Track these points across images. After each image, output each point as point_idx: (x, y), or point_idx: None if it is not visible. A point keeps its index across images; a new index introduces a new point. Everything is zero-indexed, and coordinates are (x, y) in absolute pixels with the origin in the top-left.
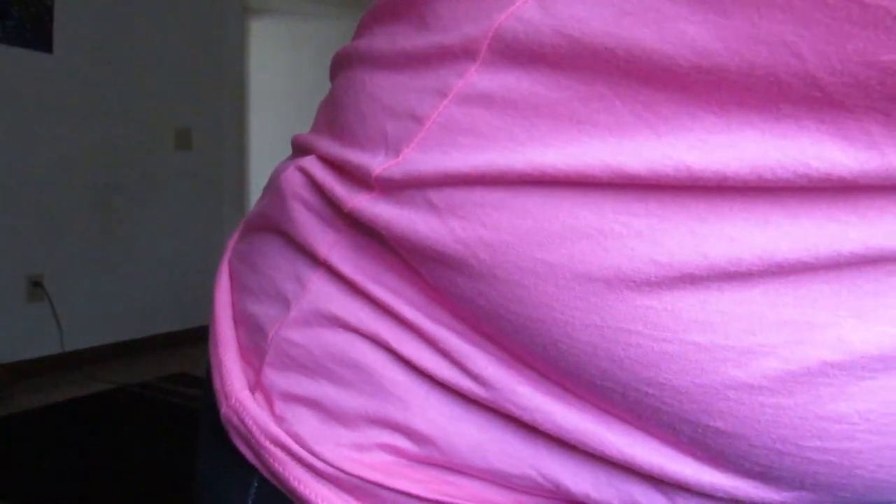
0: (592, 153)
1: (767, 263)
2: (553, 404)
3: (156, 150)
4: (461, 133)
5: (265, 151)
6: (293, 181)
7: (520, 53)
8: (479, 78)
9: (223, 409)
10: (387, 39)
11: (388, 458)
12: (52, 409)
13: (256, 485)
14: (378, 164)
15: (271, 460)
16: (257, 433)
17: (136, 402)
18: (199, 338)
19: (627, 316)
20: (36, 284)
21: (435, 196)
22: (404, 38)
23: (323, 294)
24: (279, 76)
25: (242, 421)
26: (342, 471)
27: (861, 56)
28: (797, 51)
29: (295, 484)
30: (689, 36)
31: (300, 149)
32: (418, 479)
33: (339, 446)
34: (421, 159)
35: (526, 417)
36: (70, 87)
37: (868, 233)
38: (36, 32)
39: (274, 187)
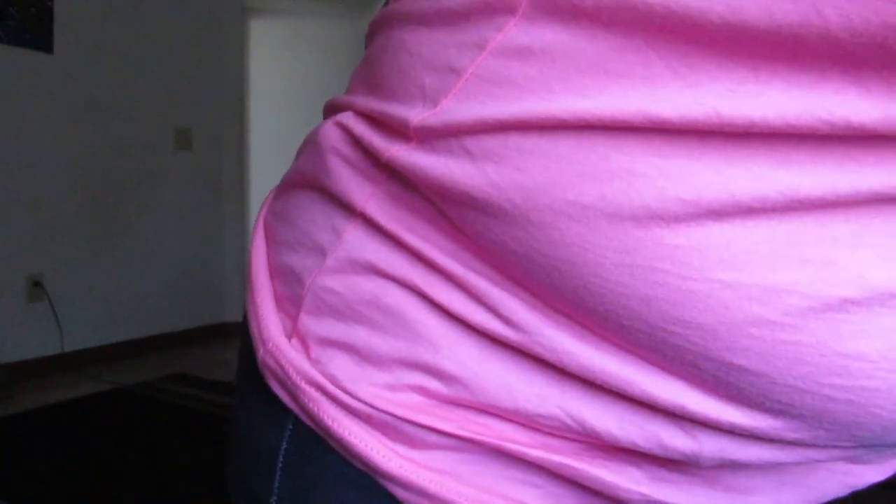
0: (627, 101)
1: (790, 200)
2: (580, 346)
3: (156, 149)
4: (498, 84)
5: (265, 151)
6: (331, 135)
7: (560, 7)
8: (518, 32)
9: (260, 354)
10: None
11: (418, 398)
12: (52, 409)
13: (291, 426)
14: (416, 114)
15: (306, 400)
16: (293, 374)
17: (136, 403)
18: (200, 338)
19: (656, 255)
20: (36, 284)
21: (471, 143)
22: None
23: (359, 243)
24: (279, 76)
25: (279, 363)
26: (374, 408)
27: (880, 16)
28: (821, 9)
29: (329, 422)
30: None
31: (336, 108)
32: (447, 417)
33: (371, 386)
34: (458, 109)
35: (553, 359)
36: (70, 87)
37: (885, 175)
38: (36, 32)
39: (311, 144)
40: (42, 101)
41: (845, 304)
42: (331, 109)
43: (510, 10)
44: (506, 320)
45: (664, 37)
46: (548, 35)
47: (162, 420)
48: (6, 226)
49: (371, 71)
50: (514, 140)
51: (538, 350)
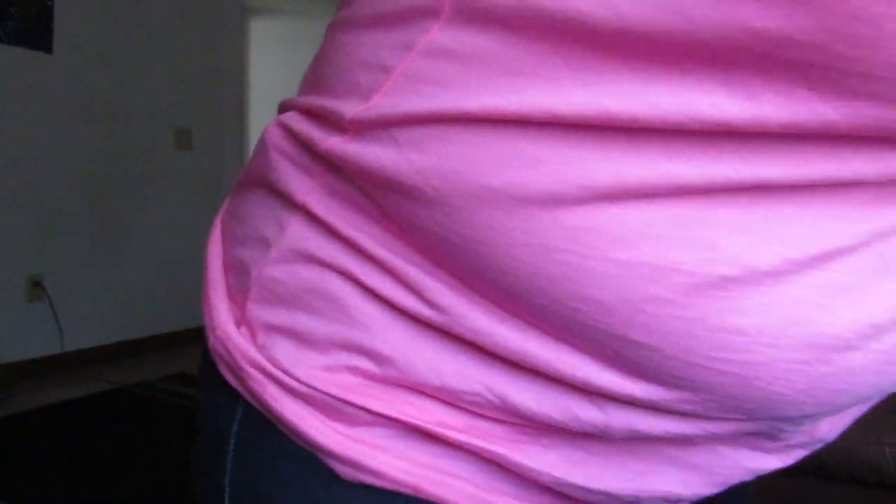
0: (533, 98)
1: (674, 186)
2: (497, 326)
3: (156, 149)
4: (423, 81)
5: None
6: (274, 134)
7: (477, 14)
8: (441, 35)
9: (210, 341)
10: (368, 4)
11: (353, 378)
12: (52, 409)
13: (242, 410)
14: (351, 108)
15: (251, 382)
16: (240, 359)
17: (136, 402)
18: (200, 338)
19: (558, 235)
20: (36, 284)
21: (398, 134)
22: (382, 2)
23: (301, 235)
24: (279, 76)
25: (227, 349)
26: (313, 388)
27: (739, 22)
28: (690, 17)
29: (272, 403)
30: (614, 3)
31: (284, 109)
32: (379, 397)
33: (310, 368)
34: (387, 103)
35: (475, 338)
36: (70, 87)
37: (755, 168)
38: (36, 32)
39: (259, 144)
40: (42, 101)
41: (724, 282)
42: (280, 110)
43: (435, 16)
44: (430, 303)
45: (564, 41)
46: (467, 38)
47: (162, 420)
48: (6, 225)
49: (315, 71)
50: (436, 131)
51: (460, 330)
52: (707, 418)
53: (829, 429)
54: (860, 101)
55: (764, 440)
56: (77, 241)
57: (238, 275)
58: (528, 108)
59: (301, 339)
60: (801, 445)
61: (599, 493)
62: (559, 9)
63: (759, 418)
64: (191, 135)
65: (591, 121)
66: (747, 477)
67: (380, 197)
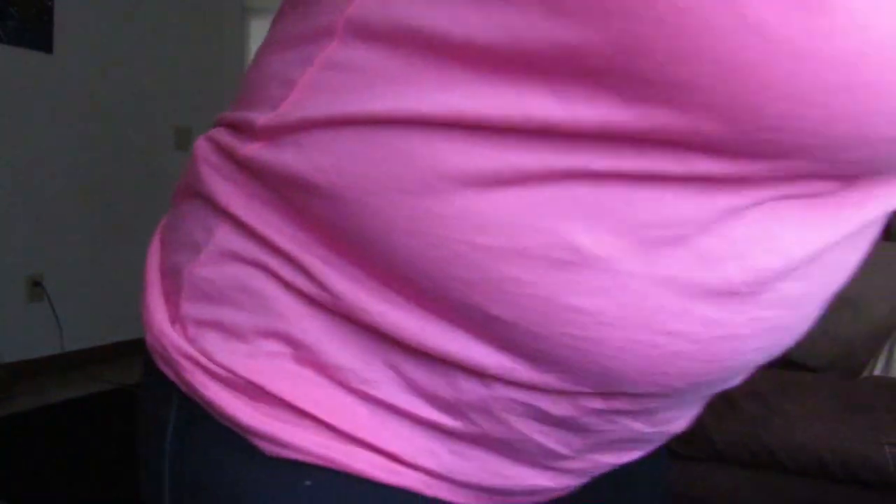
0: (405, 102)
1: (520, 174)
2: (389, 309)
3: (156, 149)
4: (321, 91)
5: None
6: (202, 147)
7: (363, 32)
8: (335, 51)
9: (147, 339)
10: (281, 29)
11: (272, 363)
12: (52, 409)
13: (176, 400)
14: (261, 117)
15: (183, 372)
16: (172, 351)
17: (136, 403)
18: None
19: (432, 222)
20: (36, 284)
21: (301, 138)
22: (293, 25)
23: (225, 237)
24: None
25: (162, 344)
26: (235, 374)
27: (551, 39)
28: (516, 35)
29: (202, 389)
30: (462, 22)
31: (215, 124)
32: (294, 384)
33: (234, 356)
34: (292, 112)
35: (370, 321)
36: (70, 87)
37: (585, 159)
38: (36, 32)
39: (191, 158)
40: (42, 102)
41: (564, 265)
42: (214, 125)
43: (330, 36)
44: (331, 291)
45: (429, 53)
46: (356, 54)
47: None
48: (6, 226)
49: (240, 89)
50: (332, 134)
51: (360, 315)
52: (573, 394)
53: (684, 423)
54: (653, 106)
55: (620, 402)
56: (77, 241)
57: (172, 277)
58: (400, 111)
59: (227, 330)
60: (659, 439)
61: (475, 486)
62: (422, 26)
63: (609, 392)
64: (191, 134)
65: (450, 120)
66: (613, 467)
67: (290, 196)
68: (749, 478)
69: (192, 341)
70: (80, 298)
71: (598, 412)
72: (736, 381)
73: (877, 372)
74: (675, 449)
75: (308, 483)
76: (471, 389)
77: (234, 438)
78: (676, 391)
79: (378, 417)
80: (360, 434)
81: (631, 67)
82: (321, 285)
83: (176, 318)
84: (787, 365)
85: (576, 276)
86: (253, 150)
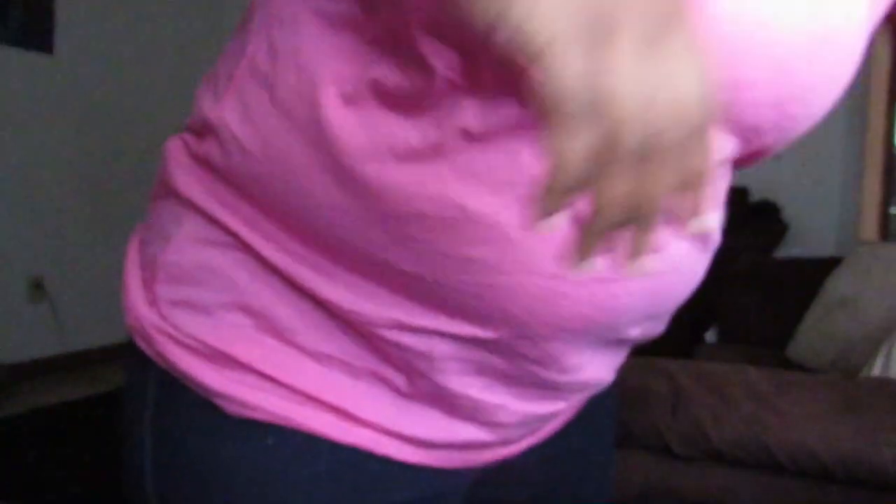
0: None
1: (408, 150)
2: (317, 278)
3: (156, 150)
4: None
5: None
6: (171, 147)
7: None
8: (255, 49)
9: (128, 321)
10: (229, 43)
11: (235, 331)
12: (53, 410)
13: (153, 374)
14: (211, 108)
15: (158, 346)
16: (148, 328)
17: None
18: None
19: (345, 195)
20: (37, 285)
21: (244, 113)
22: (234, 36)
23: (191, 225)
24: None
25: (141, 324)
26: (203, 342)
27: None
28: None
29: (173, 359)
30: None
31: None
32: (254, 348)
33: (202, 327)
34: (235, 97)
35: (308, 290)
36: (71, 88)
37: (454, 122)
38: (37, 33)
39: (161, 159)
40: (43, 102)
41: (455, 222)
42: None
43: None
44: (273, 265)
45: (326, 30)
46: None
47: None
48: (7, 226)
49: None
50: (274, 120)
51: (300, 283)
52: (487, 342)
53: (594, 373)
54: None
55: (540, 386)
56: (78, 241)
57: (149, 267)
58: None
59: (194, 307)
60: (573, 388)
61: (419, 441)
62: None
63: (520, 337)
64: None
65: (347, 93)
66: (542, 419)
67: (238, 182)
68: (748, 478)
69: (165, 318)
70: (81, 299)
71: (510, 359)
72: (632, 330)
73: (875, 372)
74: (675, 449)
75: (270, 441)
76: (405, 344)
77: (205, 404)
78: (571, 334)
79: (331, 375)
80: (314, 391)
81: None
82: (265, 260)
83: (153, 301)
84: (785, 365)
85: (465, 232)
86: (205, 145)
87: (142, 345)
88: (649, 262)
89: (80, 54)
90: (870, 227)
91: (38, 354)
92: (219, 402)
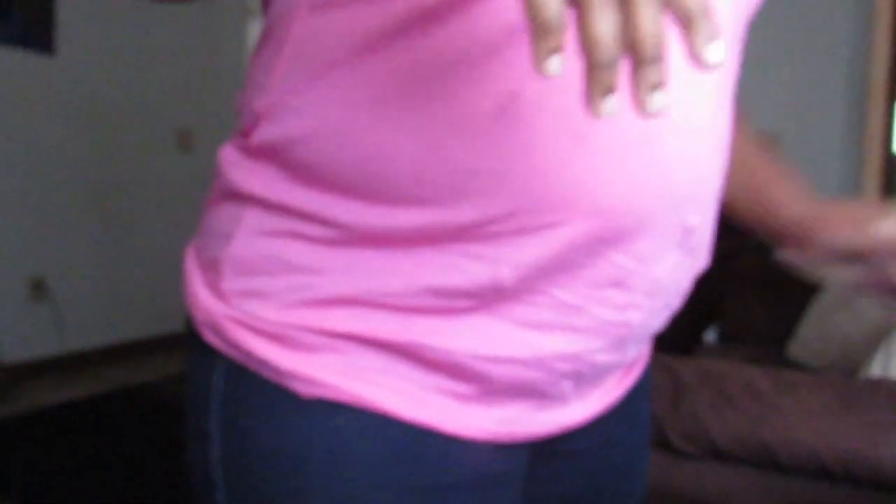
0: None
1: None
2: (380, 216)
3: (157, 150)
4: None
5: None
6: (224, 152)
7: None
8: (299, 29)
9: (193, 313)
10: (258, 34)
11: (305, 311)
12: (53, 410)
13: (220, 363)
14: (258, 101)
15: (230, 333)
16: (219, 318)
17: (137, 403)
18: None
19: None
20: (37, 285)
21: (292, 101)
22: (261, 25)
23: (250, 219)
24: None
25: (211, 316)
26: (275, 324)
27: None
28: None
29: (247, 346)
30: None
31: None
32: (326, 318)
33: (272, 311)
34: (279, 85)
35: (372, 234)
36: (71, 88)
37: None
38: (38, 34)
39: (216, 167)
40: (44, 103)
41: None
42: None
43: (291, 17)
44: (337, 224)
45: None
46: (318, 21)
47: (162, 420)
48: (8, 226)
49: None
50: (310, 107)
51: (363, 239)
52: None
53: (665, 270)
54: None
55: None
56: (78, 241)
57: (211, 268)
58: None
59: (262, 295)
60: (647, 288)
61: (505, 360)
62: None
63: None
64: (192, 136)
65: None
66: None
67: (293, 160)
68: (748, 477)
69: (235, 308)
70: (82, 299)
71: (587, 250)
72: (690, 216)
73: (875, 372)
74: (675, 447)
75: (341, 421)
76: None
77: (275, 388)
78: (637, 207)
79: (404, 319)
80: (390, 335)
81: None
82: (331, 223)
83: (221, 296)
84: (786, 364)
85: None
86: (259, 133)
87: (209, 336)
88: (662, 99)
89: (81, 55)
90: None
91: (39, 354)
92: (290, 383)
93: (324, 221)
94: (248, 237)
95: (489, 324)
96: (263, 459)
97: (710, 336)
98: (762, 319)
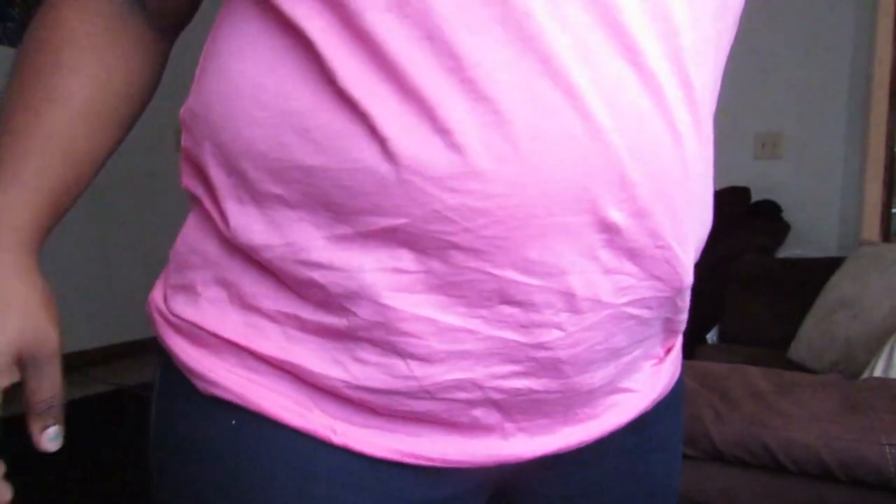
0: None
1: None
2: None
3: (156, 150)
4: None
5: None
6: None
7: None
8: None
9: (148, 310)
10: None
11: (212, 306)
12: None
13: (161, 361)
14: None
15: (157, 326)
16: (153, 310)
17: (136, 403)
18: None
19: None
20: None
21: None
22: None
23: (192, 216)
24: None
25: (150, 310)
26: (184, 320)
27: None
28: None
29: (165, 339)
30: None
31: None
32: (223, 317)
33: (186, 306)
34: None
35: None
36: None
37: None
38: None
39: None
40: None
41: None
42: None
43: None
44: (226, 219)
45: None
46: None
47: None
48: None
49: None
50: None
51: (243, 239)
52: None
53: (580, 281)
54: None
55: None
56: (78, 241)
57: (173, 265)
58: None
59: (186, 288)
60: (553, 304)
61: (384, 391)
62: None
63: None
64: None
65: None
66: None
67: (211, 142)
68: (749, 478)
69: (165, 301)
70: (80, 299)
71: (443, 255)
72: (609, 209)
73: (877, 373)
74: None
75: (233, 422)
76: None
77: (184, 382)
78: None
79: (287, 335)
80: (274, 352)
81: None
82: (223, 215)
83: (161, 292)
84: (787, 366)
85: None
86: (183, 139)
87: (154, 330)
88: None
89: None
90: (871, 227)
91: None
92: (193, 380)
93: (224, 218)
94: (186, 232)
95: (365, 351)
96: (178, 456)
97: (712, 337)
98: (763, 321)
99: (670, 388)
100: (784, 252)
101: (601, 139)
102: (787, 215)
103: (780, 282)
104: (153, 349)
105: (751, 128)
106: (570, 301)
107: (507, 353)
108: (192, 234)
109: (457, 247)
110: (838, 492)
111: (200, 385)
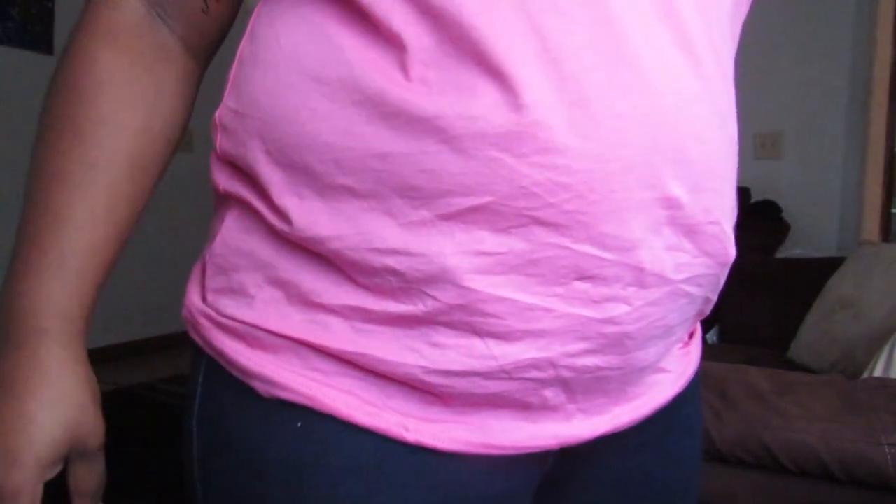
0: None
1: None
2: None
3: None
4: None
5: None
6: (212, 155)
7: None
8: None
9: (184, 314)
10: None
11: (268, 306)
12: None
13: (204, 362)
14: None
15: (203, 330)
16: (196, 315)
17: (136, 403)
18: None
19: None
20: None
21: (242, 84)
22: None
23: (230, 218)
24: None
25: (191, 313)
26: (238, 321)
27: None
28: None
29: (215, 342)
30: None
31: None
32: (283, 318)
33: (239, 308)
34: (235, 81)
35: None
36: None
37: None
38: (36, 34)
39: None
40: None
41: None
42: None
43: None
44: (283, 214)
45: None
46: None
47: (161, 422)
48: (6, 226)
49: None
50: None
51: (306, 244)
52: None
53: (650, 255)
54: None
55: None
56: None
57: (201, 269)
58: None
59: (234, 291)
60: (627, 278)
61: (460, 373)
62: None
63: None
64: (192, 136)
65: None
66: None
67: (256, 143)
68: (749, 479)
69: (210, 305)
70: None
71: (527, 233)
72: (671, 184)
73: (877, 373)
74: None
75: (299, 424)
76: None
77: (239, 385)
78: (594, 177)
79: (355, 328)
80: (343, 345)
81: None
82: (286, 218)
83: (201, 295)
84: (787, 366)
85: None
86: (219, 142)
87: (193, 335)
88: None
89: None
90: (871, 227)
91: None
92: (252, 383)
93: (282, 215)
94: (225, 234)
95: (442, 335)
96: (231, 462)
97: (711, 337)
98: (763, 321)
99: (695, 373)
100: (784, 252)
101: (667, 119)
102: (787, 215)
103: (780, 282)
104: (152, 349)
105: (751, 128)
106: (639, 276)
107: (579, 330)
108: (234, 236)
109: (539, 222)
110: (838, 492)
111: (261, 387)
